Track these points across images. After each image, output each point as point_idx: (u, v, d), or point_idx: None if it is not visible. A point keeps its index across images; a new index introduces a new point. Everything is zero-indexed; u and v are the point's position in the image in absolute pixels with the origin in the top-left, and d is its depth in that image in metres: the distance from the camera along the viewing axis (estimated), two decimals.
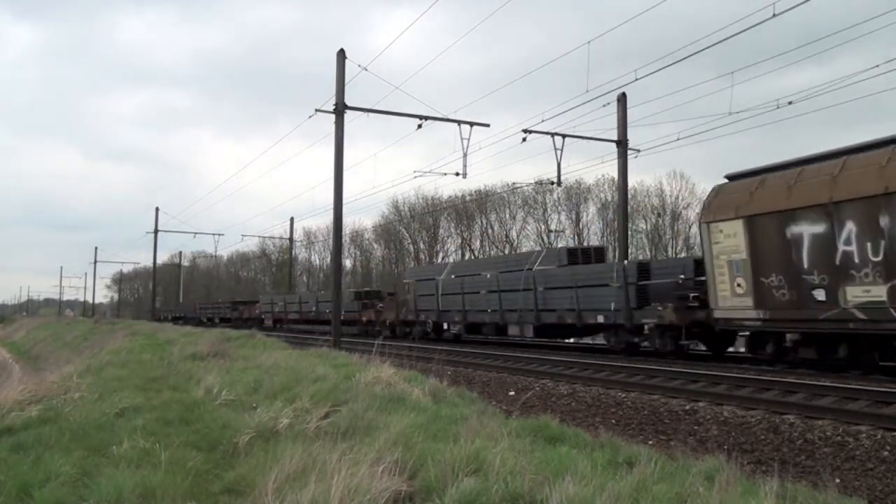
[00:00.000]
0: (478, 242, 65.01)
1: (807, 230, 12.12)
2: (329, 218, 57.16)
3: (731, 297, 13.51)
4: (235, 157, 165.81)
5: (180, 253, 79.75)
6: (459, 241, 66.10)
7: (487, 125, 22.12)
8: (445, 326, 25.08)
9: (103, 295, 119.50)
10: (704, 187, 66.48)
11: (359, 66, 21.03)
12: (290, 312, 39.65)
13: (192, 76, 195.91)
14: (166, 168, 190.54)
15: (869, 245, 11.19)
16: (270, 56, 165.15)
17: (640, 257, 56.11)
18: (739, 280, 13.32)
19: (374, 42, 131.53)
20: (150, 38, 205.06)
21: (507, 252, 57.49)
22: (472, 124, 21.75)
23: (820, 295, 11.89)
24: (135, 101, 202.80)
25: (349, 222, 68.85)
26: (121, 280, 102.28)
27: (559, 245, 51.85)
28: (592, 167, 57.01)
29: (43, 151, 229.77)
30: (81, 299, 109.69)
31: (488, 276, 22.37)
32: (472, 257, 59.07)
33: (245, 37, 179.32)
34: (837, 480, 6.84)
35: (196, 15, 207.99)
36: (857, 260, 11.36)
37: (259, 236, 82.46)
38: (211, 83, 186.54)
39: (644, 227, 57.50)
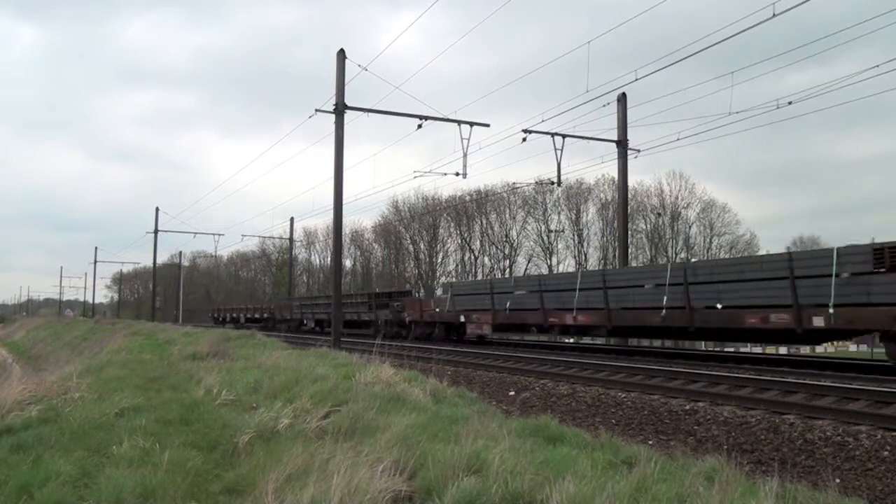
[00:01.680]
0: (478, 242, 65.11)
1: None
2: (329, 218, 57.29)
3: None
4: (237, 158, 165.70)
5: (180, 253, 79.60)
6: (459, 241, 66.20)
7: (487, 125, 22.18)
8: None
9: (103, 295, 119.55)
10: (704, 187, 66.69)
11: (359, 66, 21.09)
12: (573, 312, 18.82)
13: (195, 77, 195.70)
14: (167, 168, 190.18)
15: None
16: (272, 57, 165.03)
17: (640, 257, 56.09)
18: None
19: (375, 43, 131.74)
20: (152, 39, 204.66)
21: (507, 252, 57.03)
22: (472, 124, 21.78)
23: None
24: (138, 102, 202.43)
25: (349, 222, 69.12)
26: (121, 280, 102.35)
27: None
28: (592, 167, 57.12)
29: (45, 151, 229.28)
30: (81, 299, 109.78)
31: None
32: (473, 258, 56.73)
33: (247, 38, 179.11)
34: (837, 480, 6.83)
35: (199, 16, 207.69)
36: None
37: (259, 236, 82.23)
38: (213, 84, 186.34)
39: (644, 227, 57.63)
